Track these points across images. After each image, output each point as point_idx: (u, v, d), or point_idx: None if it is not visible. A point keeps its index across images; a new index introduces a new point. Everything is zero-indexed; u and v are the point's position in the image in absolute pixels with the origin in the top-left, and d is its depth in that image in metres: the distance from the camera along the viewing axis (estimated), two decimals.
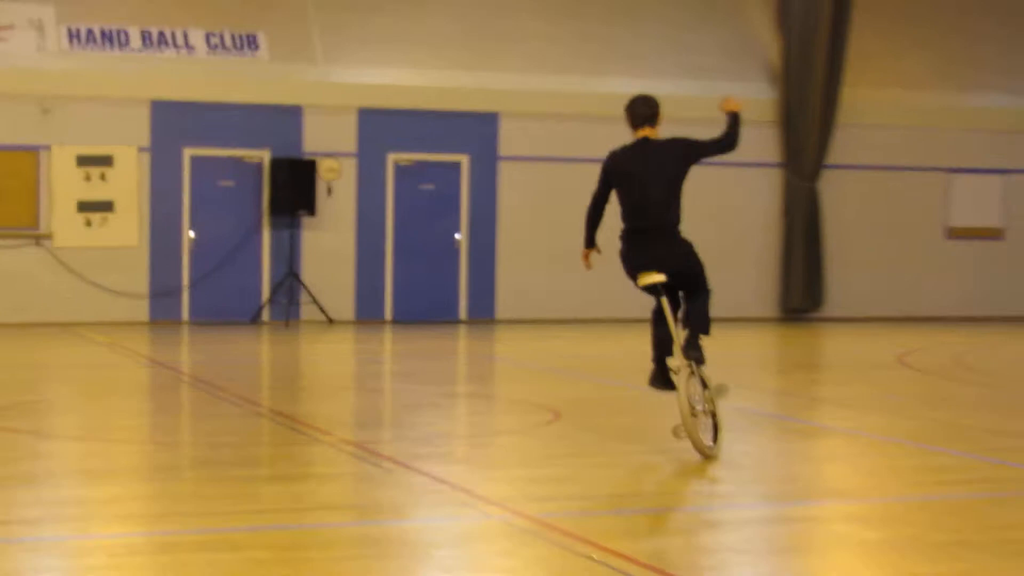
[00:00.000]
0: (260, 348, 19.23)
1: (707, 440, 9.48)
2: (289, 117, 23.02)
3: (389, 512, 7.83)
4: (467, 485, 8.43)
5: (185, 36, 22.87)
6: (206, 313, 22.72)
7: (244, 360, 17.53)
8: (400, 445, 10.18)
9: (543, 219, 24.06)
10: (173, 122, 22.57)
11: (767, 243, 25.26)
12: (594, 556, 6.55)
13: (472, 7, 24.39)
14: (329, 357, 18.50)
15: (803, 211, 25.01)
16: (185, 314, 22.74)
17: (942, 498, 8.47)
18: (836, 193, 25.41)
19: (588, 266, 10.78)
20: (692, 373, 9.66)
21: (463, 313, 23.92)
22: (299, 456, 9.91)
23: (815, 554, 6.96)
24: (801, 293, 25.09)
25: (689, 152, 10.80)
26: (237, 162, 22.96)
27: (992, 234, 26.51)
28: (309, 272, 23.08)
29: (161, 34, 22.75)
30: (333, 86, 23.15)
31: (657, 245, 10.25)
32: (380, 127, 23.37)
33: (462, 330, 22.52)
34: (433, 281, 23.70)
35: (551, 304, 24.14)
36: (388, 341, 20.48)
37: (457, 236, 23.83)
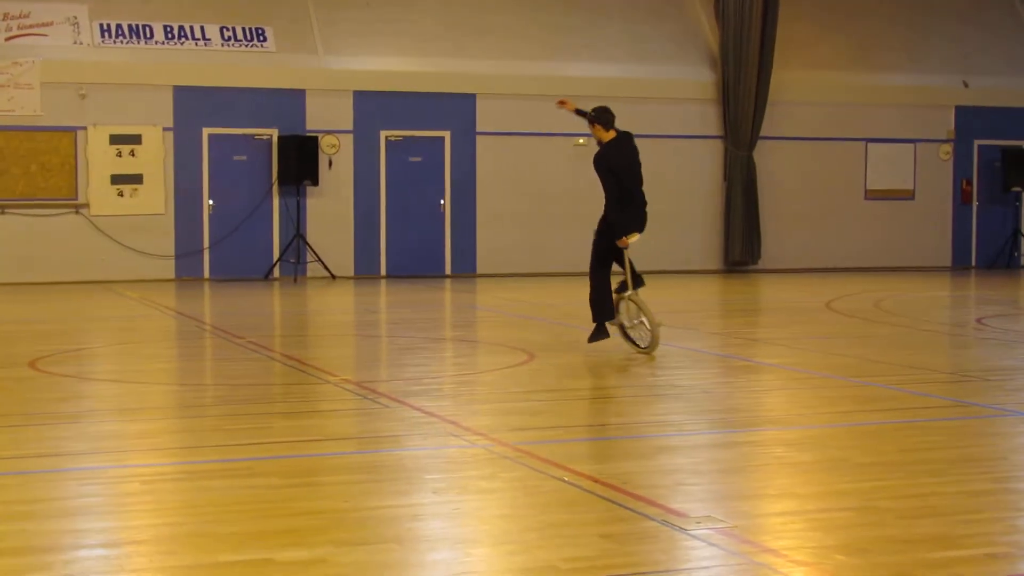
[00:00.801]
0: (272, 301, 19.15)
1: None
2: (294, 100, 22.89)
3: (386, 442, 7.79)
4: (454, 418, 8.39)
5: (202, 30, 22.67)
6: (224, 271, 22.63)
7: (258, 312, 17.46)
8: (395, 384, 10.13)
9: (516, 185, 24.04)
10: (193, 105, 22.41)
11: (711, 205, 25.25)
12: (566, 478, 6.52)
13: (453, 3, 24.24)
14: (332, 308, 18.43)
15: (741, 177, 25.00)
16: (206, 272, 22.63)
17: (865, 424, 8.46)
18: (770, 161, 25.40)
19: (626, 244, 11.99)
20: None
21: (448, 268, 23.86)
22: (307, 394, 9.86)
23: (757, 474, 6.94)
24: (741, 248, 25.11)
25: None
26: (249, 139, 22.81)
27: (904, 194, 26.55)
28: (313, 234, 22.99)
29: (181, 28, 22.55)
30: (332, 72, 23.00)
31: (643, 215, 12.17)
32: (373, 107, 23.25)
33: (447, 283, 22.46)
34: (421, 241, 23.64)
35: (525, 259, 24.11)
36: (383, 293, 20.41)
37: (442, 201, 23.75)
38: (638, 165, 12.18)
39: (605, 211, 11.96)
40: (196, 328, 15.15)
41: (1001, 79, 27.10)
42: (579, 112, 12.17)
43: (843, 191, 26.10)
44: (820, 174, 25.87)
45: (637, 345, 11.82)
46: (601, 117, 11.99)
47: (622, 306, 11.94)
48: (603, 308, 11.83)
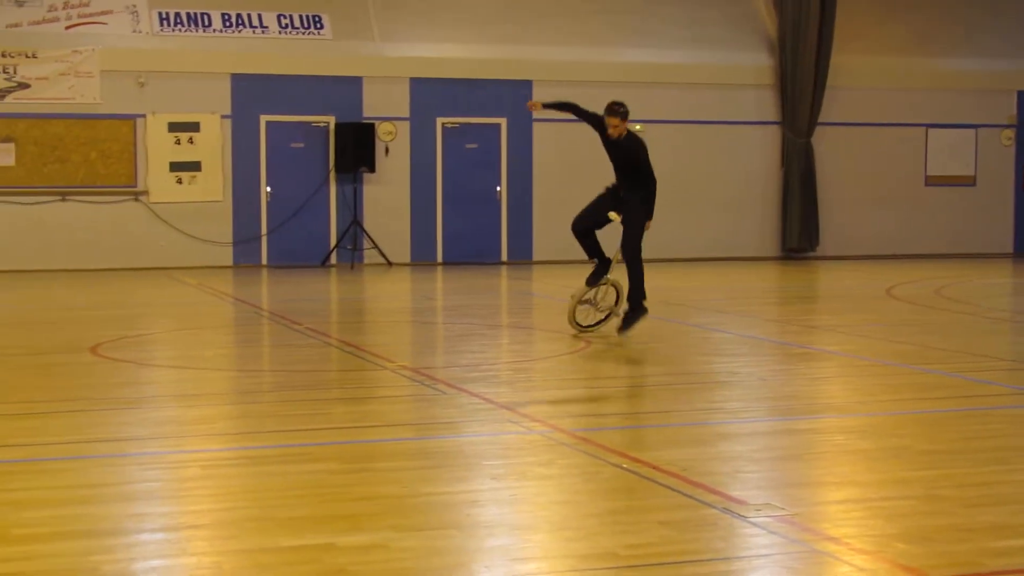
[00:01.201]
0: (329, 288, 19.23)
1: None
2: (351, 87, 22.95)
3: (444, 428, 7.80)
4: (511, 404, 8.39)
5: (260, 18, 22.77)
6: (282, 258, 22.75)
7: (315, 298, 17.54)
8: (452, 370, 10.14)
9: (572, 172, 23.95)
10: (250, 92, 22.53)
11: (768, 192, 25.09)
12: (625, 465, 6.50)
13: None
14: (389, 295, 18.48)
15: (799, 163, 24.82)
16: (264, 259, 22.76)
17: (927, 412, 8.38)
18: (828, 147, 25.21)
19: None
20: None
21: (504, 255, 23.86)
22: (364, 380, 9.89)
23: (817, 461, 6.89)
24: (798, 235, 24.94)
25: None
26: (306, 126, 22.90)
27: (965, 181, 26.26)
28: (370, 221, 23.06)
29: (239, 16, 22.66)
30: (388, 59, 23.04)
31: None
32: (430, 94, 23.27)
33: (503, 270, 22.47)
34: (478, 227, 23.65)
35: (577, 247, 24.00)
36: (439, 280, 20.44)
37: (498, 188, 23.74)
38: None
39: (645, 195, 12.20)
40: (254, 314, 15.24)
41: None
42: (547, 106, 12.53)
43: (903, 177, 25.85)
44: (879, 160, 25.65)
45: (579, 324, 12.25)
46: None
47: (601, 289, 12.31)
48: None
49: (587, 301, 12.28)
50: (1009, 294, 18.40)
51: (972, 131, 26.13)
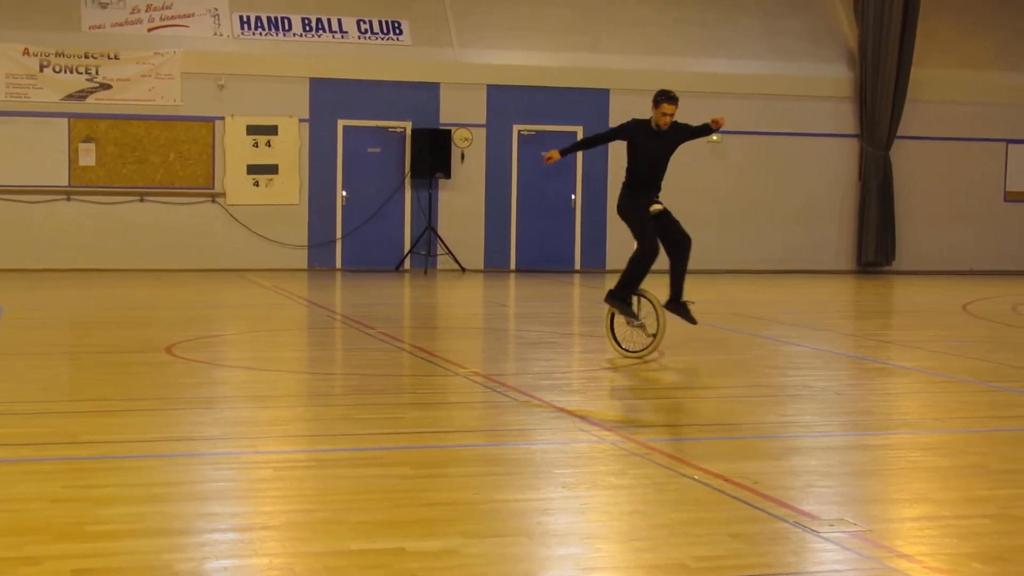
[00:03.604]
0: (402, 293, 19.31)
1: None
2: (428, 93, 23.05)
3: (515, 436, 7.80)
4: (583, 413, 8.38)
5: (339, 23, 22.94)
6: (356, 262, 22.88)
7: (389, 303, 17.62)
8: (523, 378, 10.15)
9: None
10: (328, 97, 22.70)
11: (845, 205, 24.89)
12: (696, 476, 6.47)
13: None
14: (462, 301, 18.52)
15: (877, 177, 24.60)
16: (338, 262, 22.91)
17: (1003, 431, 8.26)
18: (906, 161, 24.96)
19: None
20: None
21: (578, 263, 23.85)
22: (436, 386, 9.91)
23: (891, 477, 6.82)
24: (875, 249, 24.71)
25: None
26: (383, 131, 23.03)
27: None
28: (444, 227, 23.14)
29: (319, 20, 22.84)
30: (466, 66, 23.12)
31: None
32: (506, 101, 23.33)
33: (576, 278, 22.45)
34: (552, 235, 23.66)
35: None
36: (512, 287, 20.46)
37: (573, 196, 23.73)
38: None
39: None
40: (327, 318, 15.33)
41: None
42: (564, 152, 11.71)
43: (982, 192, 25.54)
44: (958, 175, 25.36)
45: (621, 346, 11.39)
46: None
47: (642, 302, 11.46)
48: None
49: (630, 317, 11.27)
50: None
51: None
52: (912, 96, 24.67)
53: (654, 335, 11.07)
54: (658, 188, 11.70)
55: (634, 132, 11.77)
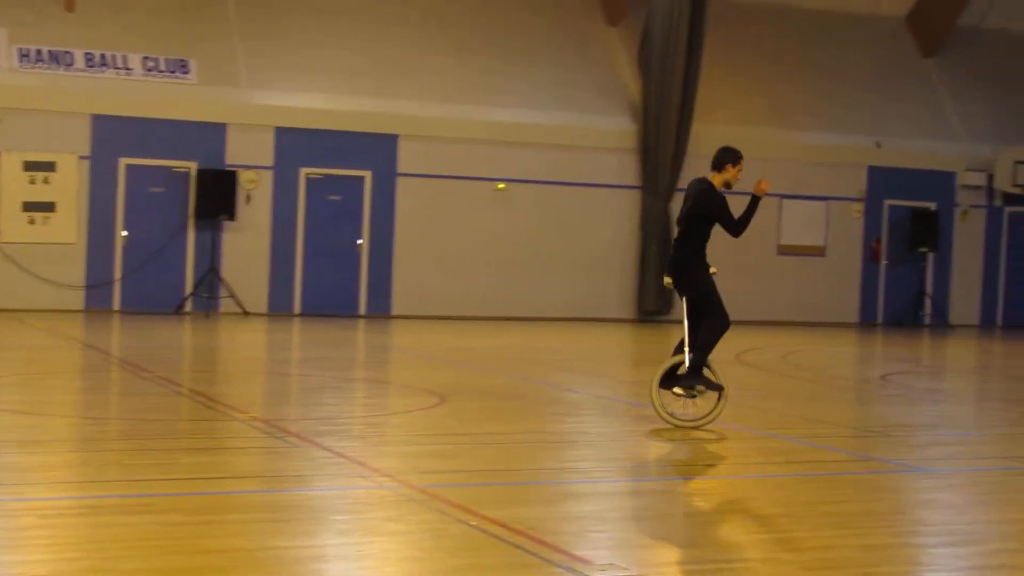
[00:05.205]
0: (183, 336, 18.95)
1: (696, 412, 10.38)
2: (214, 133, 22.75)
3: (293, 481, 7.72)
4: (362, 459, 8.34)
5: (124, 59, 22.49)
6: (135, 304, 22.36)
7: (168, 346, 17.26)
8: (304, 423, 10.05)
9: (435, 228, 24.04)
10: (111, 134, 22.20)
11: (626, 254, 25.39)
12: (472, 522, 6.50)
13: (377, 41, 24.29)
14: (244, 344, 18.27)
15: (658, 228, 25.17)
16: (116, 304, 22.35)
17: (771, 476, 8.52)
18: None
19: None
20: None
21: (363, 308, 23.77)
22: (215, 431, 9.75)
23: (663, 522, 6.96)
24: (655, 298, 25.26)
25: (701, 204, 10.62)
26: (167, 171, 22.62)
27: (816, 251, 26.88)
28: (228, 269, 22.82)
29: (103, 56, 22.36)
30: (254, 107, 22.91)
31: (672, 255, 10.93)
32: (294, 144, 23.17)
33: (362, 323, 22.37)
34: (337, 279, 23.54)
35: (441, 302, 24.07)
36: (296, 331, 20.28)
37: (359, 241, 23.68)
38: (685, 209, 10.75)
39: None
40: (103, 360, 14.94)
41: (911, 142, 27.62)
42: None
43: (756, 245, 26.35)
44: None
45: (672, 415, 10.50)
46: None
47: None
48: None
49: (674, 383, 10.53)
50: (853, 363, 18.86)
51: (824, 203, 26.81)
52: (692, 150, 25.35)
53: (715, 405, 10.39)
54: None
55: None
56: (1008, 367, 19.61)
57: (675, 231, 11.10)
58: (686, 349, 10.54)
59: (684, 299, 10.76)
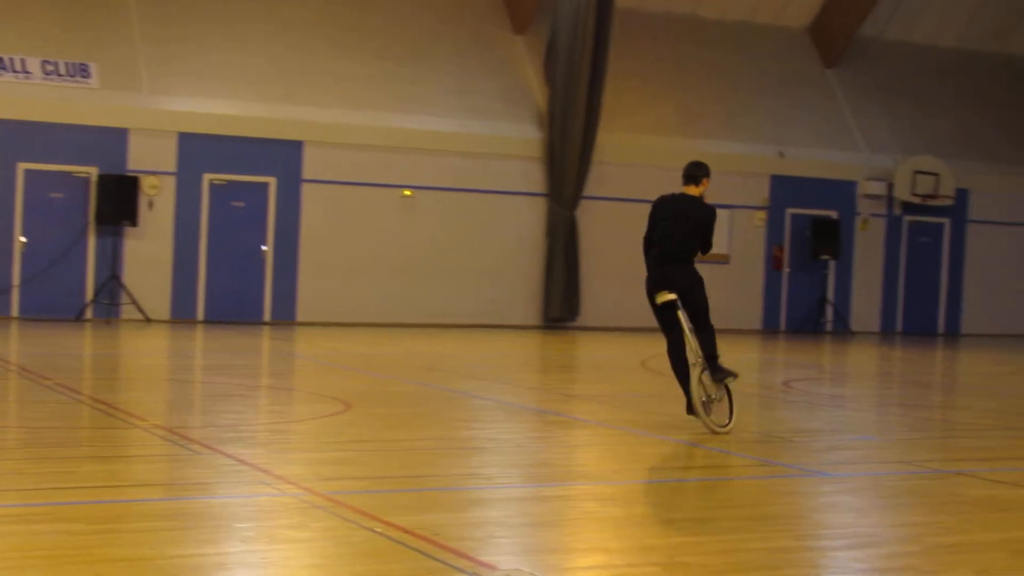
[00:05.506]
0: (83, 343, 18.68)
1: (721, 420, 10.52)
2: (116, 138, 22.48)
3: (196, 489, 7.64)
4: (266, 466, 8.28)
5: (23, 62, 22.13)
6: (34, 310, 22.01)
7: (68, 353, 17.01)
8: (207, 430, 9.96)
9: (341, 235, 23.95)
10: (9, 139, 21.86)
11: (532, 261, 25.47)
12: (377, 529, 6.48)
13: (282, 47, 24.16)
14: (146, 352, 18.05)
15: (563, 235, 25.30)
16: (15, 311, 21.98)
17: (675, 481, 8.60)
18: (591, 220, 25.77)
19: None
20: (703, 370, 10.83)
21: (268, 315, 23.60)
22: (116, 439, 9.62)
23: (567, 527, 6.99)
24: (560, 305, 25.37)
25: (709, 220, 11.42)
26: (67, 176, 22.30)
27: (720, 259, 27.14)
28: (130, 276, 22.55)
29: (0, 59, 21.98)
30: (156, 112, 22.66)
31: (673, 271, 11.13)
32: (197, 150, 22.97)
33: (266, 330, 22.21)
34: (241, 286, 23.36)
35: (346, 309, 23.98)
36: (200, 338, 20.07)
37: (264, 247, 23.51)
38: (682, 219, 11.30)
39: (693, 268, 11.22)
40: (1, 368, 14.68)
41: (813, 151, 28.03)
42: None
43: None
44: (639, 235, 26.21)
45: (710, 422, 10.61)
46: (684, 169, 11.48)
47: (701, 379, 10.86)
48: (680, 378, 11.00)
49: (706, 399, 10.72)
50: (756, 369, 19.05)
51: (728, 211, 27.08)
52: (597, 158, 25.52)
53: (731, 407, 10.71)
54: None
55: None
56: (907, 373, 19.96)
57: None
58: (692, 353, 10.93)
59: (679, 311, 11.00)
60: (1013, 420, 13.07)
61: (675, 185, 24.31)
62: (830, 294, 28.13)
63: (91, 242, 22.38)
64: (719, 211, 12.01)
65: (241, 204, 23.38)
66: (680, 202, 11.29)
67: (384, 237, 24.13)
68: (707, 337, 11.04)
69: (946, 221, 29.14)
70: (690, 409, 10.75)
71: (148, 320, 22.45)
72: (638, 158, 26.13)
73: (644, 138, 26.34)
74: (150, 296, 22.68)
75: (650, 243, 11.43)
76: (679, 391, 10.98)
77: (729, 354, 20.86)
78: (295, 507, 7.05)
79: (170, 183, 22.87)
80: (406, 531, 6.43)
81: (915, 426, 12.44)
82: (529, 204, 25.44)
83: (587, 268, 25.72)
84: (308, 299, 23.80)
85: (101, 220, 22.16)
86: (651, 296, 11.16)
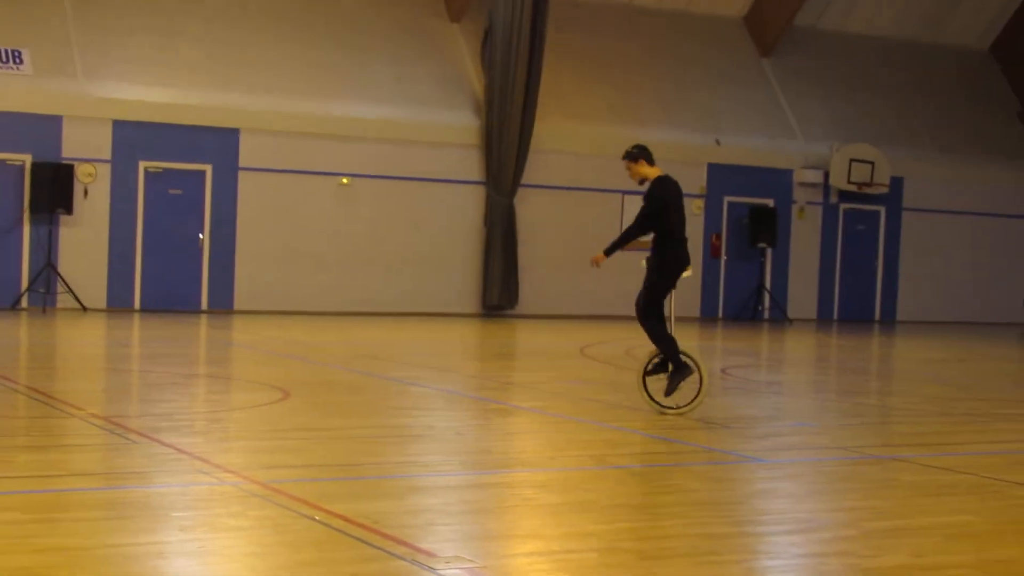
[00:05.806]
0: (18, 332, 18.50)
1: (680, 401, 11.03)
2: (50, 125, 22.24)
3: (134, 479, 7.60)
4: (204, 455, 8.25)
5: None
6: None
7: (3, 343, 16.83)
8: (145, 419, 9.90)
9: (278, 223, 23.85)
10: None
11: (470, 250, 25.49)
12: (316, 517, 6.48)
13: (218, 35, 24.00)
14: (82, 340, 17.90)
15: (501, 223, 25.33)
16: None
17: (613, 468, 8.65)
18: (529, 208, 25.82)
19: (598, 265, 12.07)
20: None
21: (205, 303, 23.47)
22: (53, 428, 9.55)
23: (506, 514, 7.03)
24: (499, 293, 25.41)
25: None
26: (0, 164, 22.03)
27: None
28: (66, 264, 22.33)
29: None
30: (91, 99, 22.45)
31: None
32: (133, 137, 22.78)
33: (203, 319, 22.09)
34: (178, 274, 23.21)
35: (283, 297, 23.89)
36: (136, 327, 19.93)
37: (200, 235, 23.37)
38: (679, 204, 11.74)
39: (658, 251, 11.68)
40: None
41: (750, 139, 28.23)
42: (610, 252, 11.85)
43: (600, 240, 26.43)
44: (578, 223, 26.40)
45: (656, 402, 11.08)
46: (648, 153, 11.82)
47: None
48: (675, 345, 11.39)
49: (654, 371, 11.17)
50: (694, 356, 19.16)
51: None
52: (535, 146, 25.56)
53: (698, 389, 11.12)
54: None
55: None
56: (843, 360, 20.18)
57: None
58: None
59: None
60: (948, 406, 13.25)
61: (611, 173, 24.36)
62: (767, 282, 28.37)
63: (26, 230, 22.15)
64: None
65: (178, 192, 23.22)
66: (676, 185, 11.80)
67: (322, 225, 24.06)
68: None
69: (882, 209, 29.46)
70: (681, 365, 11.23)
71: (84, 309, 22.26)
72: (575, 146, 26.21)
73: (582, 126, 26.42)
74: (86, 285, 22.48)
75: (660, 224, 11.66)
76: (618, 378, 11.06)
77: None
78: (234, 496, 7.04)
79: (105, 171, 22.67)
80: (345, 519, 6.44)
81: (851, 412, 12.58)
82: (467, 192, 25.45)
83: (525, 256, 25.77)
84: (245, 287, 23.69)
85: (36, 208, 21.93)
86: (679, 272, 11.67)
